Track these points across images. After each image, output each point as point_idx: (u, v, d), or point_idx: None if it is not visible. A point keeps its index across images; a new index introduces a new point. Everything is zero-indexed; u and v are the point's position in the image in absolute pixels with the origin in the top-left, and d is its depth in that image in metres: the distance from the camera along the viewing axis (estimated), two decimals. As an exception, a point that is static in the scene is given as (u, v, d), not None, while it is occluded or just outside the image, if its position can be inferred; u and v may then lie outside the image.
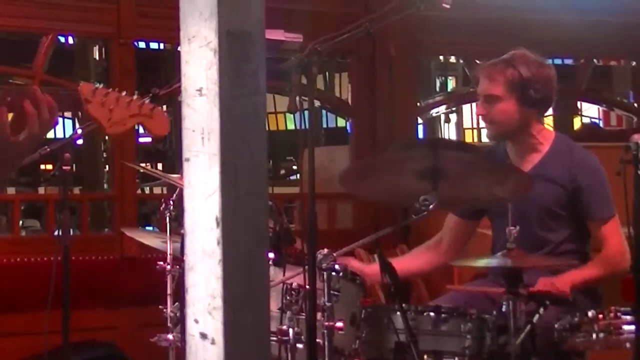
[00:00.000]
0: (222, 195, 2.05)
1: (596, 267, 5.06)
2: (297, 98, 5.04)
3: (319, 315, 4.49)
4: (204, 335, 2.07)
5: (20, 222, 7.03)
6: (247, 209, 2.09)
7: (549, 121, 8.60)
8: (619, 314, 4.61)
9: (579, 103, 9.69)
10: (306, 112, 4.53)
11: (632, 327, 4.53)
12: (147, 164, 5.98)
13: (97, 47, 7.63)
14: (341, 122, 8.23)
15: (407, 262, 5.42)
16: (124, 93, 3.16)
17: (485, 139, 6.63)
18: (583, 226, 5.13)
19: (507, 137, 5.25)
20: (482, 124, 5.60)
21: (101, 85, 3.16)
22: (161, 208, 5.25)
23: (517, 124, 5.22)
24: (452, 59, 8.95)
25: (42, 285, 5.22)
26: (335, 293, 4.70)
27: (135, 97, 3.19)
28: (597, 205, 5.12)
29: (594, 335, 4.62)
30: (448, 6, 4.45)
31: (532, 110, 5.23)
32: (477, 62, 7.88)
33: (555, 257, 5.00)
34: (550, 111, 7.13)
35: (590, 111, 10.75)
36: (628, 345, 4.56)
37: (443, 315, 4.70)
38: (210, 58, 2.05)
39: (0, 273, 6.17)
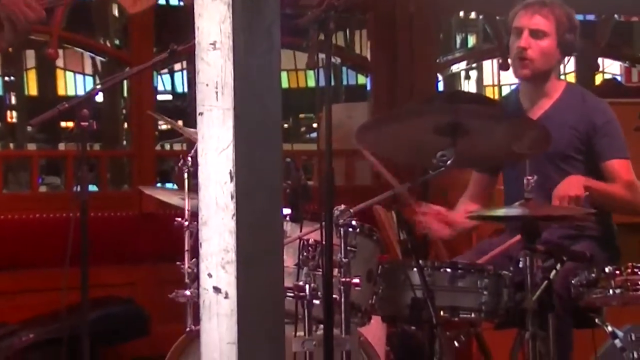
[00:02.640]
0: (236, 149, 2.05)
1: (616, 187, 5.08)
2: (316, 55, 5.04)
3: (335, 271, 4.49)
4: (217, 289, 2.08)
5: (41, 178, 7.05)
6: (261, 164, 2.09)
7: (570, 77, 8.53)
8: (636, 270, 4.62)
9: (600, 60, 9.63)
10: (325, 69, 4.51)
11: (649, 284, 4.55)
12: (177, 122, 5.97)
13: (115, 3, 7.60)
14: (361, 80, 8.19)
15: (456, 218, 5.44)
16: None
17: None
18: (598, 171, 5.13)
19: (538, 77, 5.24)
20: (509, 76, 5.59)
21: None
22: (179, 164, 5.26)
23: (550, 65, 5.26)
24: (472, 15, 8.91)
25: (60, 242, 5.24)
26: (352, 249, 4.71)
27: None
28: (612, 145, 5.14)
29: (611, 291, 4.62)
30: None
31: (561, 56, 5.29)
32: (498, 18, 7.88)
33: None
34: (572, 67, 7.10)
35: (611, 68, 10.67)
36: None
37: (460, 271, 4.70)
38: (224, 11, 2.05)
39: (19, 229, 6.19)
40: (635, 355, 4.53)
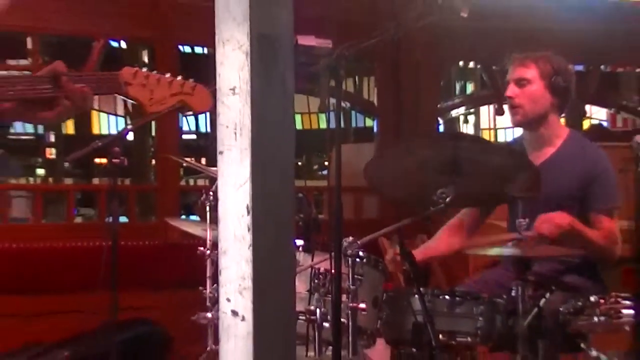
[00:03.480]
0: (253, 185, 2.06)
1: (596, 234, 5.07)
2: (327, 99, 5.05)
3: (343, 297, 4.50)
4: (235, 313, 2.09)
5: (76, 210, 7.07)
6: (275, 199, 2.10)
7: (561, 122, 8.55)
8: (619, 299, 4.62)
9: (587, 106, 9.64)
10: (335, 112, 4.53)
11: (631, 312, 4.54)
12: (191, 158, 6.00)
13: (146, 50, 7.62)
14: (369, 122, 8.20)
15: (433, 248, 5.44)
16: (167, 75, 3.17)
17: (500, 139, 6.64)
18: (587, 219, 5.14)
19: (531, 122, 5.24)
20: (505, 120, 5.61)
21: (144, 69, 3.17)
22: (202, 198, 5.28)
23: (542, 109, 5.23)
24: (471, 65, 8.92)
25: (92, 268, 5.26)
26: (359, 277, 4.72)
27: (178, 78, 3.21)
28: (605, 195, 5.14)
29: (596, 319, 4.62)
30: (465, 15, 4.45)
31: (555, 100, 5.25)
32: (494, 67, 7.90)
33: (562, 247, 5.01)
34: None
35: (598, 114, 10.69)
36: (627, 328, 4.56)
37: (457, 298, 4.71)
38: (243, 60, 2.06)
39: (56, 256, 6.21)
40: (618, 380, 4.53)
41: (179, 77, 3.21)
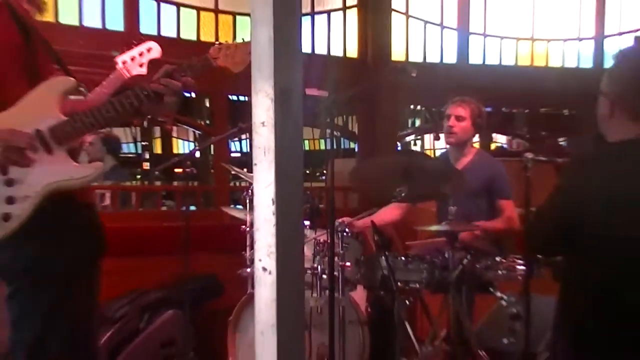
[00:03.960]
0: (276, 186, 2.05)
1: (498, 223, 5.15)
2: (325, 130, 5.04)
3: (336, 258, 4.52)
4: (264, 269, 2.07)
5: (162, 202, 7.05)
6: (290, 194, 2.09)
7: (476, 144, 8.54)
8: (515, 259, 4.63)
9: (494, 135, 9.64)
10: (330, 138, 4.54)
11: (523, 267, 4.54)
12: (243, 169, 6.04)
13: (207, 98, 7.59)
14: (352, 145, 8.17)
15: (383, 215, 5.43)
16: (241, 39, 3.05)
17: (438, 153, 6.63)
18: (493, 205, 5.18)
19: (459, 144, 5.33)
20: (440, 143, 5.61)
21: (225, 41, 3.07)
22: (244, 194, 5.27)
23: (467, 136, 5.35)
24: (418, 107, 8.89)
25: (173, 241, 5.26)
26: (346, 245, 4.74)
27: (238, 42, 3.06)
28: (503, 189, 5.22)
29: (500, 272, 4.64)
30: (414, 75, 4.44)
31: (474, 131, 5.38)
32: (433, 109, 7.90)
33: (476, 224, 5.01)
34: (477, 138, 7.10)
35: (500, 139, 10.66)
36: (520, 278, 4.56)
37: (409, 259, 4.71)
38: (269, 104, 2.05)
39: (149, 232, 6.19)
40: (514, 310, 4.51)
41: (242, 39, 3.05)
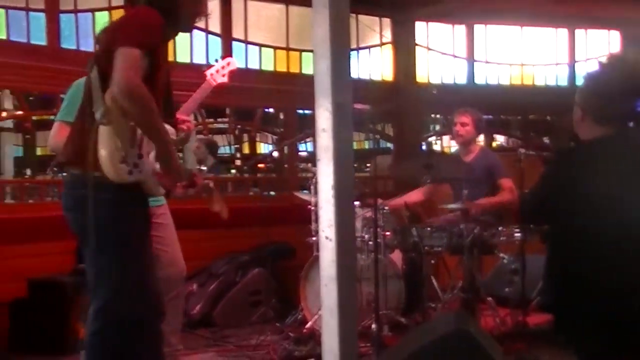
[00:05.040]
0: (334, 176, 2.05)
1: (502, 197, 4.99)
2: (368, 134, 5.02)
3: (378, 229, 4.49)
4: (327, 237, 2.07)
5: (250, 188, 7.02)
6: (344, 182, 2.08)
7: (481, 143, 8.43)
8: (513, 228, 4.55)
9: (494, 135, 9.54)
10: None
11: (519, 235, 4.46)
12: (308, 164, 6.01)
13: (281, 113, 7.56)
14: (389, 144, 8.09)
15: (411, 197, 5.36)
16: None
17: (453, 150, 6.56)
18: (494, 186, 5.06)
19: (465, 143, 5.23)
20: (454, 141, 5.56)
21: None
22: (309, 182, 5.25)
23: (472, 137, 5.22)
24: (438, 116, 8.80)
25: (256, 216, 5.26)
26: (384, 220, 4.72)
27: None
28: (501, 171, 5.08)
29: (502, 238, 4.57)
30: (435, 92, 4.42)
31: (476, 133, 5.25)
32: (448, 117, 7.81)
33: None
34: (482, 138, 7.00)
35: (500, 139, 10.51)
36: (517, 242, 4.48)
37: (434, 228, 4.67)
38: (328, 115, 2.04)
39: (238, 211, 6.17)
40: (513, 266, 4.44)
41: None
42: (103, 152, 2.55)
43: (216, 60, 3.70)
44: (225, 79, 3.62)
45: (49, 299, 4.65)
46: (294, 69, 6.88)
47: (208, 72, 3.61)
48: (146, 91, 2.49)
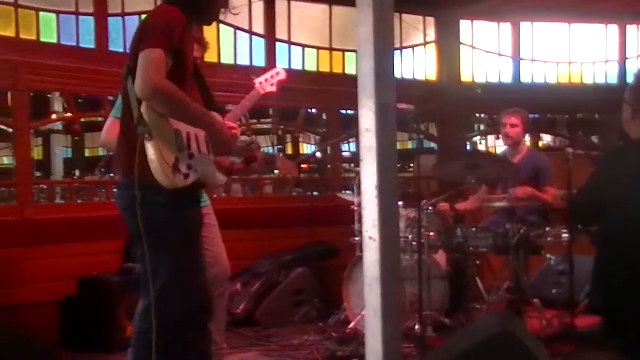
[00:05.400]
0: (378, 176, 2.04)
1: (546, 196, 4.93)
2: (412, 134, 5.00)
3: (422, 229, 4.46)
4: (370, 237, 2.06)
5: (294, 189, 7.04)
6: (388, 182, 2.07)
7: (528, 143, 8.33)
8: (560, 229, 4.48)
9: (541, 135, 9.40)
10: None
11: (566, 236, 4.39)
12: (351, 164, 6.00)
13: (324, 114, 7.55)
14: (433, 145, 8.04)
15: (464, 204, 5.33)
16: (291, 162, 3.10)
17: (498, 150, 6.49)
18: (541, 190, 5.00)
19: (513, 145, 5.18)
20: (500, 143, 5.53)
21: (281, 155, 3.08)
22: (353, 182, 5.26)
23: (520, 139, 5.18)
24: (483, 115, 8.70)
25: (301, 216, 5.30)
26: (429, 220, 4.69)
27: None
28: (547, 178, 5.02)
29: (548, 239, 4.50)
30: (480, 91, 4.37)
31: (525, 134, 5.26)
32: (494, 117, 7.72)
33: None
34: (528, 138, 6.92)
35: (546, 138, 10.34)
36: (564, 243, 4.43)
37: (479, 229, 4.63)
38: (372, 115, 2.03)
39: (283, 211, 6.20)
40: (560, 268, 4.39)
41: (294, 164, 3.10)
42: (154, 166, 2.56)
43: (265, 71, 3.73)
44: (273, 89, 3.65)
45: (97, 298, 4.74)
46: (337, 70, 6.87)
47: (257, 81, 3.64)
48: (169, 83, 2.50)
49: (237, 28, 6.26)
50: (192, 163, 2.66)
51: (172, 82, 2.54)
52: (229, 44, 6.23)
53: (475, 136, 8.88)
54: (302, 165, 7.62)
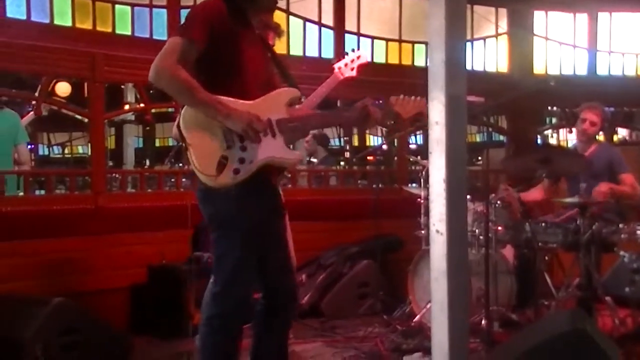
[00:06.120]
0: (446, 168, 2.03)
1: (624, 187, 4.84)
2: (480, 126, 4.94)
3: (490, 223, 4.41)
4: (438, 231, 2.06)
5: (359, 181, 7.05)
6: (456, 175, 2.06)
7: (601, 137, 8.11)
8: (635, 225, 4.34)
9: (617, 129, 9.12)
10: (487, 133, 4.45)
11: (641, 233, 4.28)
12: (417, 157, 5.96)
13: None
14: (502, 138, 7.91)
15: (530, 195, 5.22)
16: (412, 97, 2.96)
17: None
18: (615, 179, 4.87)
19: (589, 141, 5.07)
20: (571, 136, 5.41)
21: (401, 96, 2.97)
22: (420, 174, 5.23)
23: (594, 135, 5.10)
24: (555, 108, 8.50)
25: (366, 208, 5.28)
26: (497, 214, 4.63)
27: (414, 98, 2.95)
28: (621, 167, 4.94)
29: (622, 236, 4.37)
30: (553, 84, 4.29)
31: (600, 130, 5.15)
32: (567, 110, 7.53)
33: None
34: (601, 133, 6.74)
35: (622, 132, 10.03)
36: (639, 241, 4.30)
37: (548, 224, 4.54)
38: (441, 107, 2.03)
39: (349, 203, 6.20)
40: (635, 265, 4.26)
41: (418, 97, 2.93)
42: (197, 172, 2.66)
43: (346, 53, 3.64)
44: (353, 73, 3.60)
45: (166, 285, 4.86)
46: (406, 61, 6.83)
47: (336, 66, 3.59)
48: (177, 68, 2.59)
49: (306, 20, 6.29)
50: (245, 156, 2.69)
51: (212, 71, 2.64)
52: (298, 36, 6.27)
53: (547, 129, 8.71)
54: (369, 157, 7.62)
